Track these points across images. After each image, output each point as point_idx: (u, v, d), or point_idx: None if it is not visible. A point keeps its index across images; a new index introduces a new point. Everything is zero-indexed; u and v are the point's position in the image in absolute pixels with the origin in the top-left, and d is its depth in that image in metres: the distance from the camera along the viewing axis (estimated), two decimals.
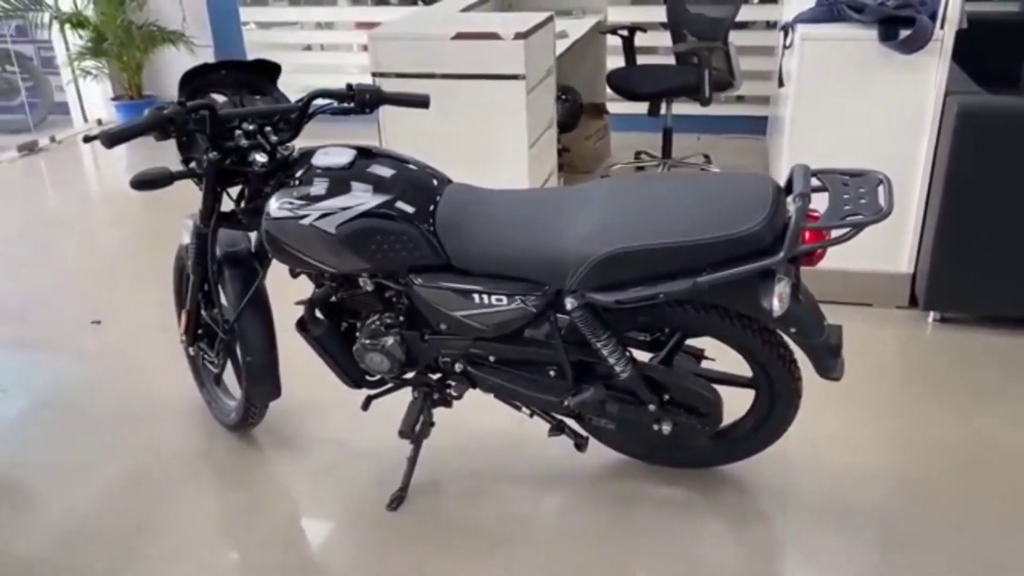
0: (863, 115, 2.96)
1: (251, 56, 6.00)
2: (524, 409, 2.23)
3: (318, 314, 2.23)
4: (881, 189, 1.75)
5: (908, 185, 3.01)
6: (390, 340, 2.13)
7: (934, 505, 2.17)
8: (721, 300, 1.92)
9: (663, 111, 4.44)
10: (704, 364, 2.23)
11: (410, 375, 2.24)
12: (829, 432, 2.46)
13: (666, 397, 2.11)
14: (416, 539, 2.14)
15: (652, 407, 2.08)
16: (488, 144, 3.38)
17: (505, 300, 1.95)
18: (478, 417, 2.49)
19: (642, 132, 5.13)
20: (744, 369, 2.12)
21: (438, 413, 2.30)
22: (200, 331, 2.48)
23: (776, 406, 2.11)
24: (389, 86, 3.37)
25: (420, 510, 2.23)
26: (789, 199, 1.79)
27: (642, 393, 2.07)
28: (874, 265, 3.14)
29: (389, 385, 2.30)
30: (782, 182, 1.86)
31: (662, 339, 2.18)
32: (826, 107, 2.98)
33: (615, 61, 4.81)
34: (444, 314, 2.03)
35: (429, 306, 2.04)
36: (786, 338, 1.97)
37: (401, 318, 2.15)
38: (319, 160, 1.99)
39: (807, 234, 1.75)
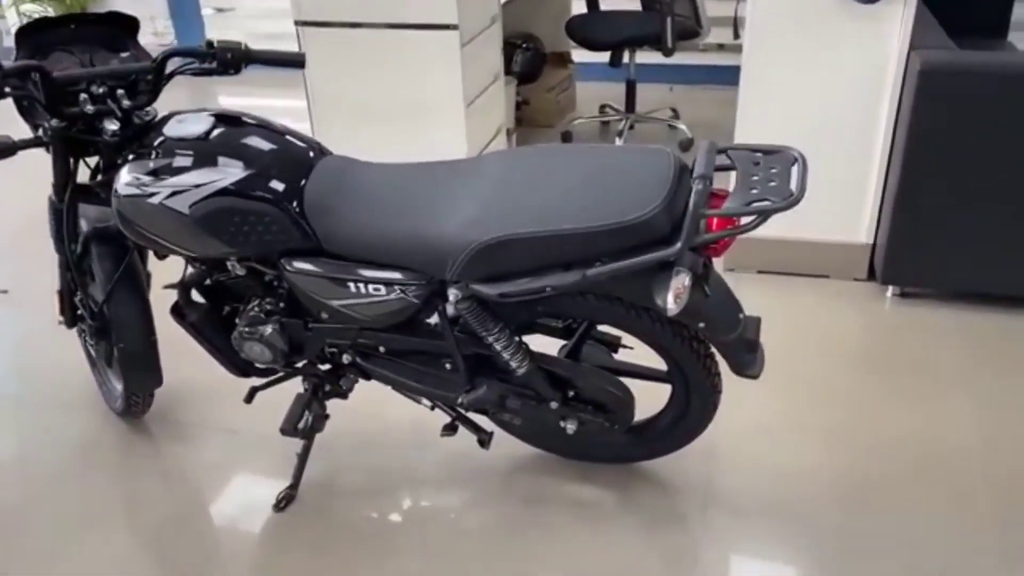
0: (821, 70, 2.70)
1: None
2: (425, 401, 2.04)
3: (195, 297, 2.03)
4: (795, 169, 1.52)
5: (868, 149, 2.76)
6: (269, 329, 1.93)
7: (876, 508, 1.99)
8: (618, 293, 1.71)
9: (626, 61, 4.16)
10: (622, 354, 2.03)
11: (300, 364, 2.05)
12: (766, 422, 2.28)
13: (571, 393, 1.91)
14: (301, 543, 1.97)
15: (554, 405, 1.89)
16: (421, 102, 3.13)
17: (384, 290, 1.74)
18: (381, 407, 2.30)
19: (612, 82, 4.85)
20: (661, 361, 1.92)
21: (337, 403, 2.11)
22: (80, 312, 2.28)
23: (693, 402, 1.91)
24: (312, 36, 3.11)
25: (309, 510, 2.06)
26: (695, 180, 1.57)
27: (542, 390, 1.87)
28: (832, 235, 2.92)
29: (277, 375, 2.11)
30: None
31: (574, 326, 1.99)
32: (781, 60, 2.72)
33: (580, 7, 4.51)
34: (321, 303, 1.83)
35: (304, 294, 1.84)
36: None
37: (282, 304, 1.95)
38: (172, 129, 1.77)
39: (712, 221, 1.53)
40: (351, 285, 1.75)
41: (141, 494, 2.14)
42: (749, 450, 2.18)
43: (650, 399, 2.00)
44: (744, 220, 1.50)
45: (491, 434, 2.04)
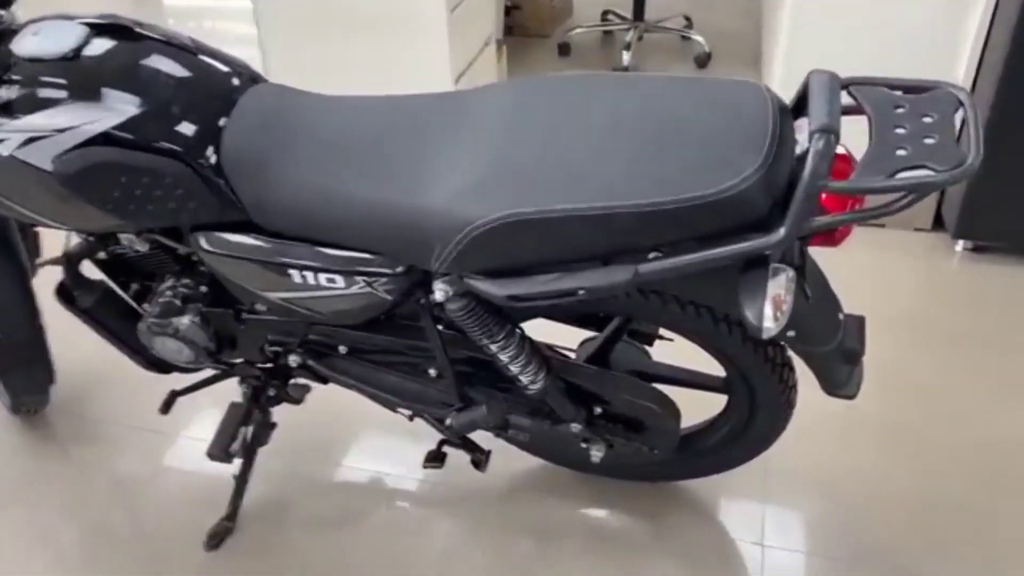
0: None
1: None
2: (403, 410, 1.55)
3: (87, 274, 1.50)
4: (960, 117, 1.01)
5: (947, 70, 2.23)
6: (186, 321, 1.42)
7: (957, 538, 1.56)
8: (684, 294, 1.21)
9: None
10: (660, 349, 1.55)
11: (235, 362, 1.55)
12: (816, 417, 1.81)
13: (597, 410, 1.44)
14: None
15: (576, 426, 1.42)
16: (396, 6, 2.52)
17: (341, 282, 1.23)
18: (346, 408, 1.80)
19: None
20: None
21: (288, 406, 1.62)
22: None
23: (757, 418, 1.44)
24: None
25: (250, 549, 1.59)
26: (800, 129, 1.05)
27: (561, 409, 1.39)
28: None
29: (206, 376, 1.61)
30: (782, 88, 1.11)
31: (601, 316, 1.49)
32: None
33: None
34: (253, 294, 1.31)
35: (230, 283, 1.32)
36: None
37: (203, 288, 1.43)
38: (24, 44, 1.20)
39: (828, 199, 1.03)
40: (294, 274, 1.24)
41: (35, 522, 1.66)
42: (803, 457, 1.72)
43: (695, 403, 1.53)
44: (876, 198, 0.99)
45: (488, 453, 1.56)
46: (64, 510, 1.68)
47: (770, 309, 1.01)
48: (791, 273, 1.03)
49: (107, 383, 1.95)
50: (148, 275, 1.52)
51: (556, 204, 1.04)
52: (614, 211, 1.02)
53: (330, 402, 1.72)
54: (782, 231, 0.99)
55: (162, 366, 1.60)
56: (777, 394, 1.37)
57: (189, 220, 1.24)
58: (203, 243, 1.27)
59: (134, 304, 1.53)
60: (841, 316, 1.24)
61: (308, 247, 1.22)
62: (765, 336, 1.02)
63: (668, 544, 1.58)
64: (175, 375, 1.62)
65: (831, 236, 1.08)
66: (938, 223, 2.45)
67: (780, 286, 1.02)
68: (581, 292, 1.07)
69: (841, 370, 1.28)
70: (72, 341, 1.75)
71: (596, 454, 1.44)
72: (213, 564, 1.57)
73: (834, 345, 1.22)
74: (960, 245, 2.39)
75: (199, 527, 1.61)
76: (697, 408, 1.54)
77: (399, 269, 1.20)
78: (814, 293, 1.15)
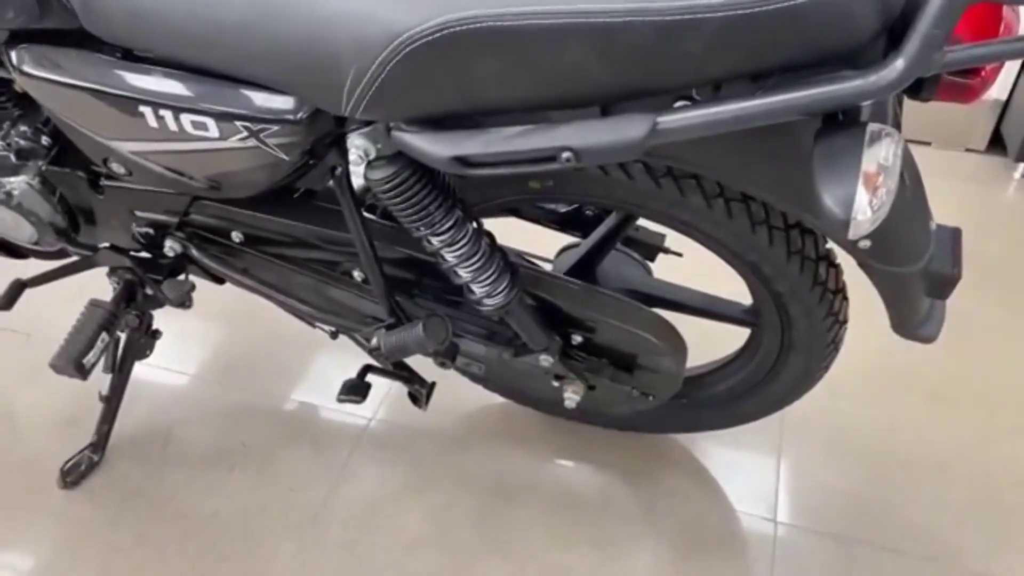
0: None
1: None
2: (323, 325, 1.17)
3: None
4: None
5: None
6: (22, 184, 1.02)
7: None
8: (715, 176, 0.83)
9: None
10: (663, 266, 1.18)
11: (100, 247, 1.16)
12: (847, 377, 1.45)
13: (577, 339, 1.07)
14: (97, 549, 1.16)
15: (547, 359, 1.05)
16: None
17: (214, 129, 0.83)
18: (264, 317, 1.42)
19: None
20: (737, 284, 1.07)
21: (172, 312, 1.24)
22: None
23: (788, 362, 1.08)
24: None
25: (117, 491, 1.24)
26: None
27: (529, 335, 1.02)
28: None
29: (63, 262, 1.22)
30: None
31: (587, 216, 1.12)
32: None
33: None
34: (97, 143, 0.92)
35: (63, 122, 0.92)
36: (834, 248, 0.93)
37: (46, 139, 1.04)
38: None
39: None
40: (147, 114, 0.84)
41: None
42: (827, 426, 1.37)
43: (704, 337, 1.17)
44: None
45: (432, 386, 1.19)
46: None
47: (864, 193, 0.63)
48: (898, 137, 0.65)
49: None
50: None
51: (534, 6, 0.64)
52: (626, 22, 0.63)
53: (237, 309, 1.35)
54: (900, 64, 0.60)
55: (12, 248, 1.22)
56: (822, 331, 1.01)
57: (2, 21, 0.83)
58: (20, 62, 0.86)
59: None
60: (933, 225, 0.86)
61: (164, 72, 0.82)
62: (852, 235, 0.64)
63: (658, 514, 1.23)
64: (33, 261, 1.24)
65: (965, 88, 0.69)
66: (995, 144, 2.07)
67: (880, 158, 0.64)
68: (566, 156, 0.69)
69: (922, 303, 0.91)
70: None
71: (571, 396, 1.08)
72: (68, 505, 1.21)
73: (921, 265, 0.85)
74: (1020, 171, 2.01)
75: (58, 455, 1.25)
76: (706, 344, 1.18)
77: (299, 114, 0.81)
78: (911, 184, 0.77)
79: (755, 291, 1.03)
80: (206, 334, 1.45)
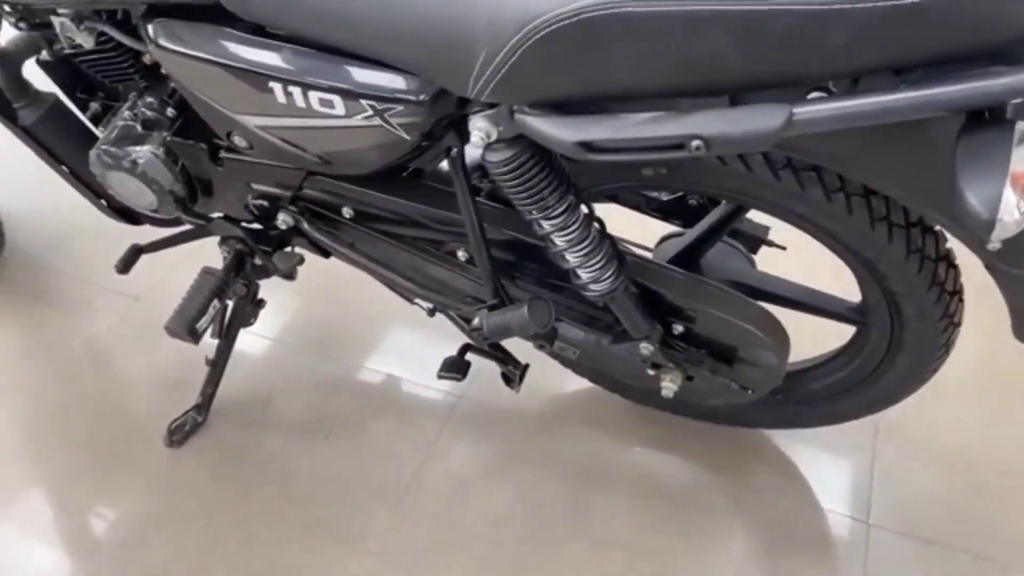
0: None
1: None
2: (423, 302, 1.19)
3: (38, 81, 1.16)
4: None
5: None
6: (147, 153, 1.07)
7: None
8: (841, 170, 0.81)
9: None
10: (763, 258, 1.16)
11: (213, 216, 1.20)
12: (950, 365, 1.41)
13: (677, 328, 1.06)
14: (198, 507, 1.22)
15: (647, 347, 1.05)
16: None
17: (340, 106, 0.85)
18: (362, 290, 1.44)
19: None
20: (847, 278, 1.05)
21: (275, 283, 1.28)
22: None
23: (895, 362, 1.06)
24: None
25: (220, 452, 1.29)
26: None
27: (630, 322, 1.02)
28: None
29: (177, 230, 1.27)
30: None
31: (693, 205, 1.11)
32: None
33: None
34: (224, 116, 0.95)
35: (193, 96, 0.96)
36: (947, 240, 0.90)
37: (171, 111, 1.08)
38: None
39: None
40: (276, 90, 0.86)
41: None
42: (925, 428, 1.34)
43: (804, 333, 1.14)
44: None
45: (525, 368, 1.20)
46: (13, 377, 1.39)
47: (1012, 194, 0.61)
48: None
49: (79, 231, 1.64)
50: (112, 94, 1.17)
51: None
52: (772, 10, 0.62)
53: (336, 282, 1.38)
54: None
55: (129, 214, 1.27)
56: (935, 333, 0.98)
57: None
58: (156, 36, 0.90)
59: (93, 128, 1.19)
60: None
61: (297, 51, 0.85)
62: (997, 237, 0.62)
63: (747, 508, 1.22)
64: (148, 228, 1.30)
65: None
66: None
67: None
68: (696, 144, 0.68)
69: None
70: (31, 173, 1.43)
71: (669, 386, 1.08)
72: (173, 463, 1.27)
73: None
74: None
75: (164, 415, 1.30)
76: (806, 340, 1.16)
77: (423, 95, 0.82)
78: None
79: (866, 289, 1.00)
80: (303, 306, 1.49)
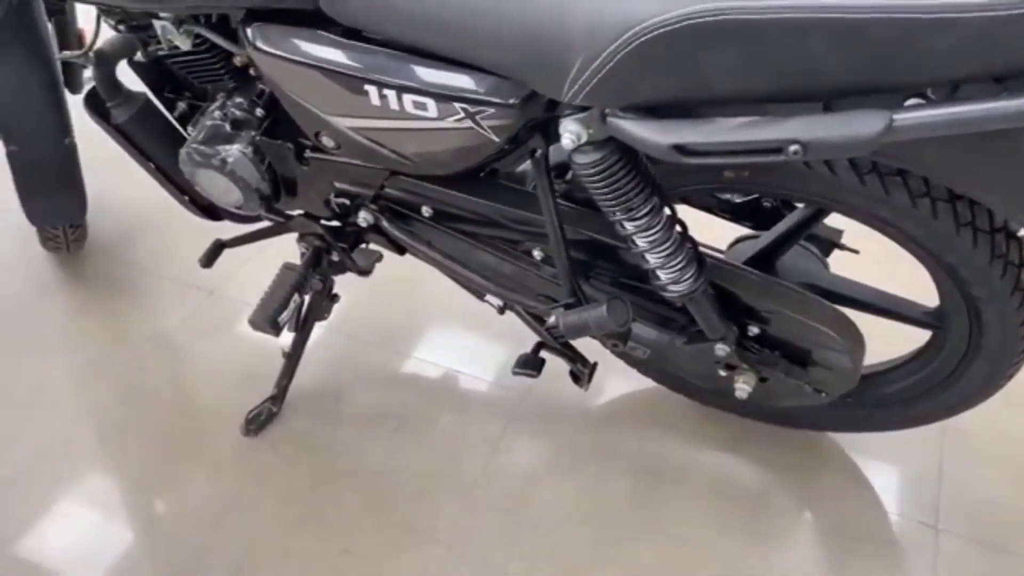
0: None
1: None
2: (492, 298, 1.22)
3: (130, 81, 1.20)
4: None
5: None
6: (235, 151, 1.11)
7: None
8: (929, 175, 0.82)
9: None
10: (835, 260, 1.17)
11: (294, 213, 1.24)
12: None
13: (753, 330, 1.07)
14: (272, 492, 1.25)
15: (722, 348, 1.06)
16: None
17: (433, 109, 0.88)
18: (430, 286, 1.47)
19: None
20: (920, 283, 1.05)
21: (348, 278, 1.31)
22: None
23: (971, 367, 1.06)
24: None
25: (293, 441, 1.32)
26: None
27: (708, 325, 1.03)
28: None
29: (258, 228, 1.31)
30: None
31: (766, 207, 1.12)
32: None
33: None
34: (318, 117, 0.98)
35: (288, 98, 0.99)
36: None
37: (260, 111, 1.11)
38: None
39: None
40: (371, 92, 0.89)
41: (69, 364, 1.43)
42: (995, 434, 1.33)
43: (876, 336, 1.14)
44: None
45: (594, 366, 1.22)
46: (94, 366, 1.45)
47: None
48: None
49: (155, 226, 1.69)
50: (200, 94, 1.21)
51: (778, 0, 0.65)
52: (876, 19, 0.63)
53: (407, 279, 1.41)
54: None
55: (211, 211, 1.32)
56: (1015, 339, 0.98)
57: (238, 1, 0.90)
58: (255, 39, 0.93)
59: (180, 128, 1.23)
60: None
61: (393, 55, 0.87)
62: None
63: (813, 509, 1.23)
64: (227, 223, 1.34)
65: None
66: None
67: None
68: (793, 149, 0.69)
69: None
70: (114, 170, 1.48)
71: (743, 387, 1.09)
72: (248, 450, 1.31)
73: None
74: None
75: (238, 406, 1.34)
76: (873, 343, 1.16)
77: (514, 98, 0.85)
78: None
79: (945, 293, 1.01)
80: (372, 301, 1.52)
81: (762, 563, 1.17)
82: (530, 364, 1.12)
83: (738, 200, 1.15)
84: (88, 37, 1.48)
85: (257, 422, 1.33)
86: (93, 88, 1.19)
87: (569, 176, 1.06)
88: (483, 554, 1.19)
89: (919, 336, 1.13)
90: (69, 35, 1.42)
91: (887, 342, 1.15)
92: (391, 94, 0.88)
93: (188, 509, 1.24)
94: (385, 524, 1.22)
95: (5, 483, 1.26)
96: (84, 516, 1.24)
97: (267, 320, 1.17)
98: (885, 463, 1.28)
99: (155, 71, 1.20)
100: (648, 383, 1.37)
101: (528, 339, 1.21)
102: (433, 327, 1.51)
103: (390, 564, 1.17)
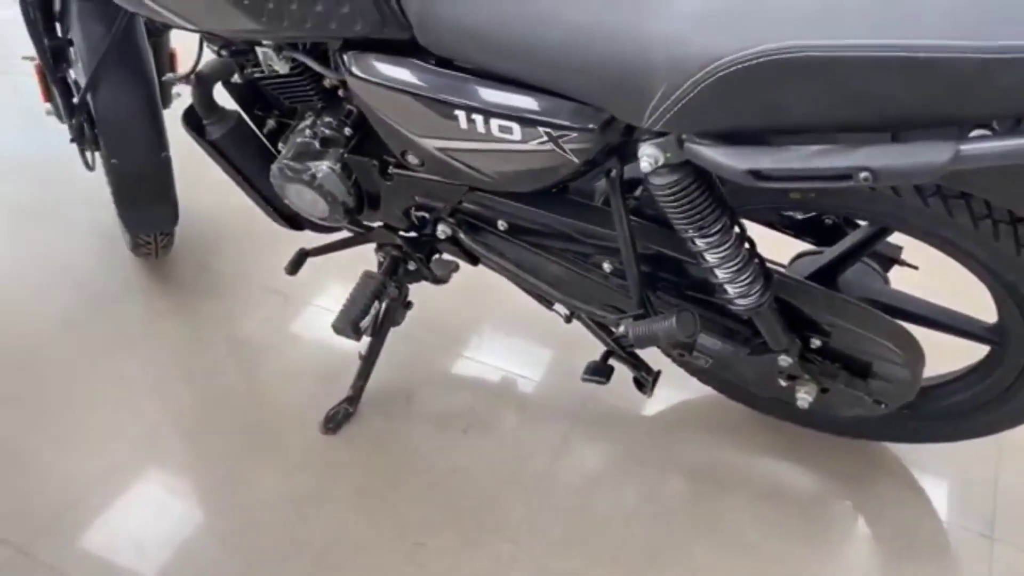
0: None
1: None
2: (560, 307, 1.28)
3: (225, 100, 1.29)
4: None
5: None
6: (324, 168, 1.18)
7: None
8: (997, 196, 0.86)
9: None
10: (897, 276, 1.21)
11: (374, 225, 1.32)
12: None
13: (815, 342, 1.12)
14: (348, 487, 1.33)
15: (785, 360, 1.11)
16: None
17: (518, 132, 0.94)
18: (498, 295, 1.53)
19: None
20: (979, 298, 1.09)
21: (423, 287, 1.38)
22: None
23: None
24: None
25: (368, 440, 1.40)
26: None
27: (772, 337, 1.08)
28: None
29: (339, 238, 1.39)
30: None
31: (828, 224, 1.16)
32: None
33: None
34: (407, 139, 1.05)
35: (380, 122, 1.06)
36: None
37: (348, 131, 1.19)
38: None
39: None
40: (460, 117, 0.96)
41: (153, 365, 1.53)
42: None
43: (934, 350, 1.18)
44: None
45: (657, 374, 1.28)
46: (178, 366, 1.54)
47: None
48: None
49: (235, 234, 1.78)
50: (287, 112, 1.30)
51: (854, 39, 0.70)
52: (949, 58, 0.68)
53: (475, 287, 1.48)
54: None
55: (294, 221, 1.40)
56: None
57: (338, 32, 0.98)
58: (352, 67, 1.01)
59: (268, 144, 1.32)
60: None
61: (482, 82, 0.94)
62: None
63: (870, 517, 1.27)
64: (307, 233, 1.42)
65: None
66: None
67: None
68: (863, 176, 0.75)
69: None
70: (200, 183, 1.57)
71: (804, 397, 1.13)
72: (326, 448, 1.39)
73: None
74: None
75: (315, 405, 1.42)
76: (936, 356, 1.19)
77: (594, 123, 0.91)
78: None
79: (1005, 310, 1.04)
80: (445, 307, 1.59)
81: (819, 567, 1.21)
82: (599, 371, 1.18)
83: (800, 216, 1.19)
84: (179, 58, 1.59)
85: (335, 421, 1.40)
86: (190, 106, 1.27)
87: (639, 192, 1.12)
88: (549, 551, 1.25)
89: (977, 350, 1.16)
90: (162, 56, 1.52)
91: (946, 356, 1.19)
92: (479, 118, 0.95)
93: (271, 502, 1.32)
94: (456, 520, 1.28)
95: (98, 476, 1.35)
96: (174, 507, 1.32)
97: (350, 325, 1.25)
98: (941, 474, 1.32)
99: (247, 91, 1.29)
100: (706, 391, 1.42)
101: (590, 346, 1.27)
102: (499, 333, 1.57)
103: (464, 556, 1.24)
